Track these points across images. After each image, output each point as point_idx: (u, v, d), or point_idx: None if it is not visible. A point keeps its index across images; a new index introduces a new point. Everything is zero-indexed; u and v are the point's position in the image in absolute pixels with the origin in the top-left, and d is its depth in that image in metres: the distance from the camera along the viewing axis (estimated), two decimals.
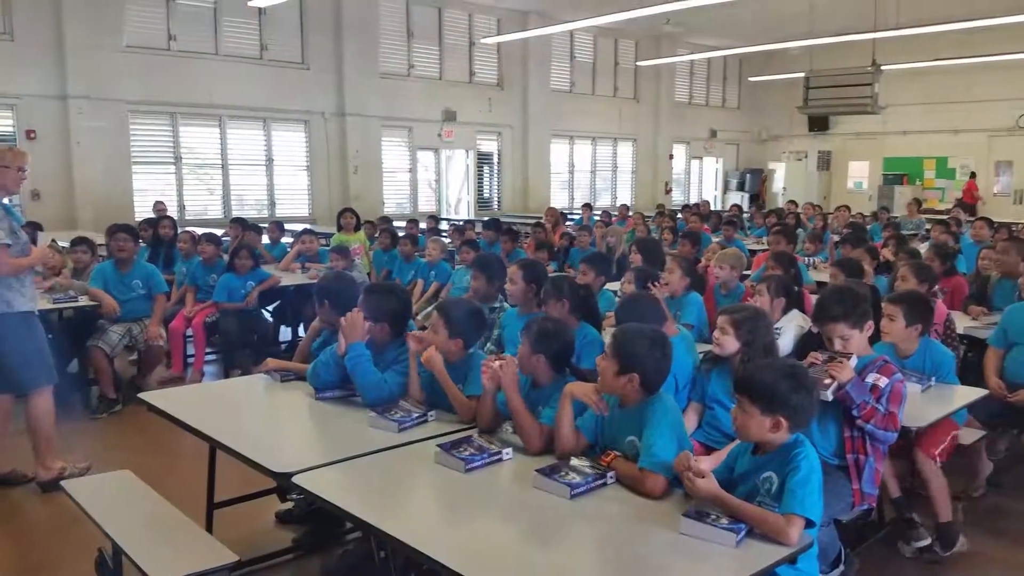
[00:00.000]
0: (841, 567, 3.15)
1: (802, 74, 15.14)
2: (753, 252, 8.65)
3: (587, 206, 14.14)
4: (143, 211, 11.75)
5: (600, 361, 2.81)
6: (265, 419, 3.51)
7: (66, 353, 6.27)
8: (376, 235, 9.05)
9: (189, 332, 6.67)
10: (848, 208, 12.95)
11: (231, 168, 13.69)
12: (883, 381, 3.18)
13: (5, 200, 4.27)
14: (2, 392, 4.46)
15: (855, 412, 3.08)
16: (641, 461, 2.56)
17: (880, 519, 3.80)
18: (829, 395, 3.02)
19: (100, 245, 7.17)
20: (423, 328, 3.67)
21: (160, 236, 7.96)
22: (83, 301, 5.92)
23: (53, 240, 6.18)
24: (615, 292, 5.41)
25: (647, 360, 2.71)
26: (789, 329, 4.25)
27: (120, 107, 12.11)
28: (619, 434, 2.74)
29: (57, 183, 11.62)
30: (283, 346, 7.37)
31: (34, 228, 6.86)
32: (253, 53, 13.50)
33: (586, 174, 19.48)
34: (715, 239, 9.57)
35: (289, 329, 7.78)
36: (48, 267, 6.04)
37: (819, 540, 2.42)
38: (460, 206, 17.30)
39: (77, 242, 6.73)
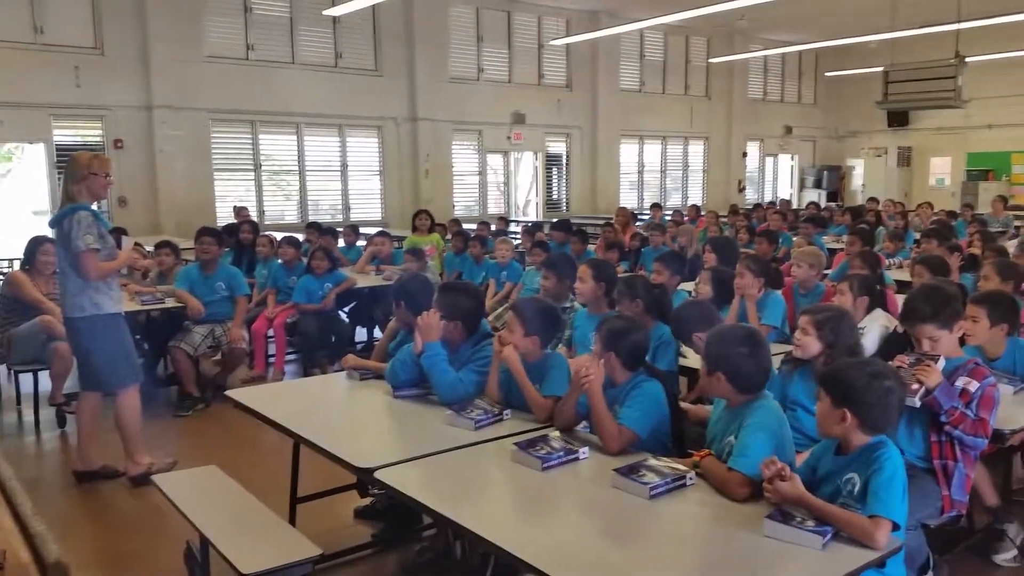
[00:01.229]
0: (930, 574, 3.05)
1: (881, 68, 14.67)
2: (833, 251, 8.43)
3: (656, 206, 13.97)
4: (224, 216, 12.12)
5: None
6: (346, 416, 3.58)
7: (152, 353, 6.52)
8: (448, 237, 9.12)
9: (270, 333, 6.85)
10: (931, 205, 12.52)
11: (308, 174, 13.99)
12: (973, 385, 3.06)
13: (93, 206, 4.42)
14: (91, 391, 4.65)
15: (943, 418, 2.98)
16: (731, 461, 2.52)
17: (970, 525, 3.66)
18: (917, 401, 2.92)
19: (183, 249, 7.41)
20: (495, 328, 3.69)
21: (242, 241, 8.18)
22: (169, 303, 6.13)
23: (137, 243, 6.41)
24: (690, 292, 5.35)
25: (731, 357, 2.68)
26: (873, 329, 4.13)
27: (201, 116, 12.48)
28: (723, 433, 2.72)
29: (142, 190, 12.04)
30: (359, 347, 7.50)
31: (119, 233, 7.12)
32: (328, 61, 13.76)
33: (656, 174, 19.28)
34: (794, 237, 9.35)
35: (365, 330, 7.91)
36: (136, 268, 6.28)
37: (906, 545, 2.35)
38: (529, 208, 17.31)
39: (160, 245, 6.99)
